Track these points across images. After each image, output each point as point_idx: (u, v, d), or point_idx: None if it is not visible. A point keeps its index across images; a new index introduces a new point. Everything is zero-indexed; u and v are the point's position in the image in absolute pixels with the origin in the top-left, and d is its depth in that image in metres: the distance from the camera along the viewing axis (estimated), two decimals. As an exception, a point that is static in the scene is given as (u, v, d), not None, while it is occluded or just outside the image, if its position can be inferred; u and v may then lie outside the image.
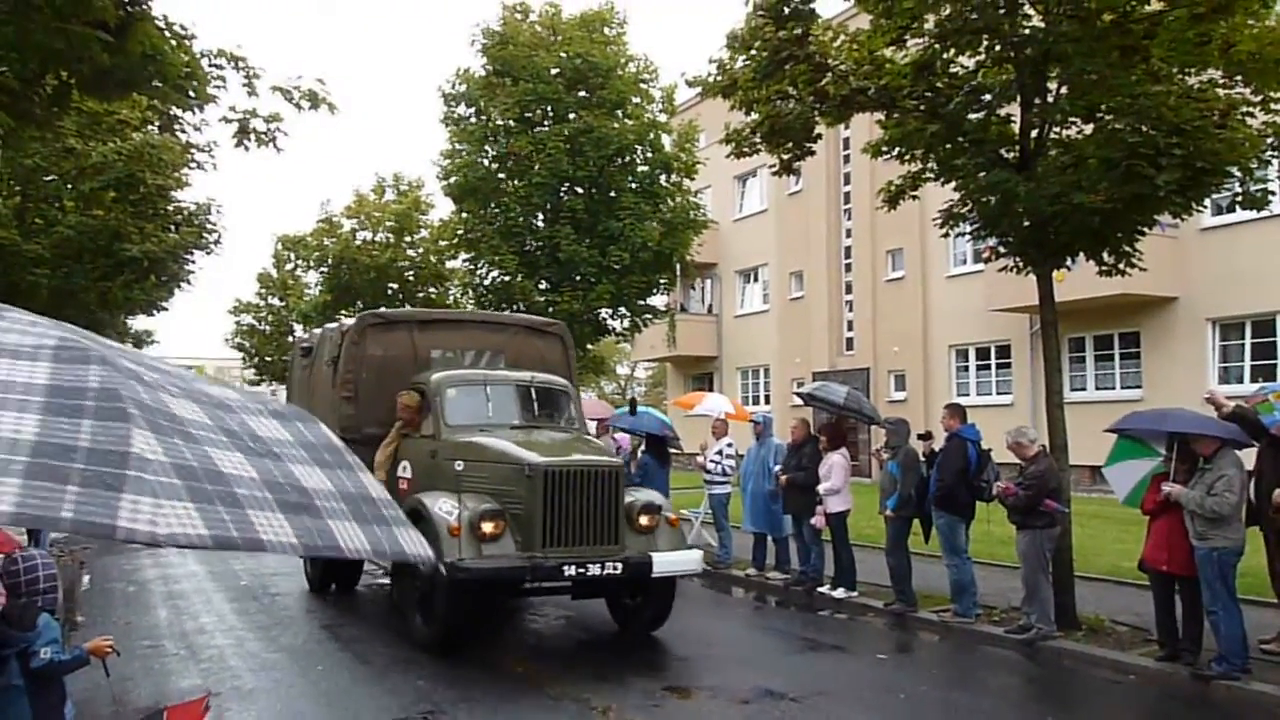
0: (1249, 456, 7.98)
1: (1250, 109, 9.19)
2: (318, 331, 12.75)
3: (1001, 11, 9.07)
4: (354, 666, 8.11)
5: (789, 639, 9.53)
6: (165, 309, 23.33)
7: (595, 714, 6.75)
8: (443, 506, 8.19)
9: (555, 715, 6.87)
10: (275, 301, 43.56)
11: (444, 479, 8.67)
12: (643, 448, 13.97)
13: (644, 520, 8.68)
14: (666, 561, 8.51)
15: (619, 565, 8.18)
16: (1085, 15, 8.75)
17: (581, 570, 8.03)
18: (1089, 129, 9.62)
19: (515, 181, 21.64)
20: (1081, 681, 8.10)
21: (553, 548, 8.08)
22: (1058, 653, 8.58)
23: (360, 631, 9.61)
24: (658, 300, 24.83)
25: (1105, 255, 9.72)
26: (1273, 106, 9.16)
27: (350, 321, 11.06)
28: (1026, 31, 9.13)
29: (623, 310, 22.58)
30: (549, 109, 21.81)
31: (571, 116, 21.41)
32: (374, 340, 10.58)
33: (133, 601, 10.98)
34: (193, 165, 18.54)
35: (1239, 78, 9.03)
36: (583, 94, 21.68)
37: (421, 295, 32.17)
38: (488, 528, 8.00)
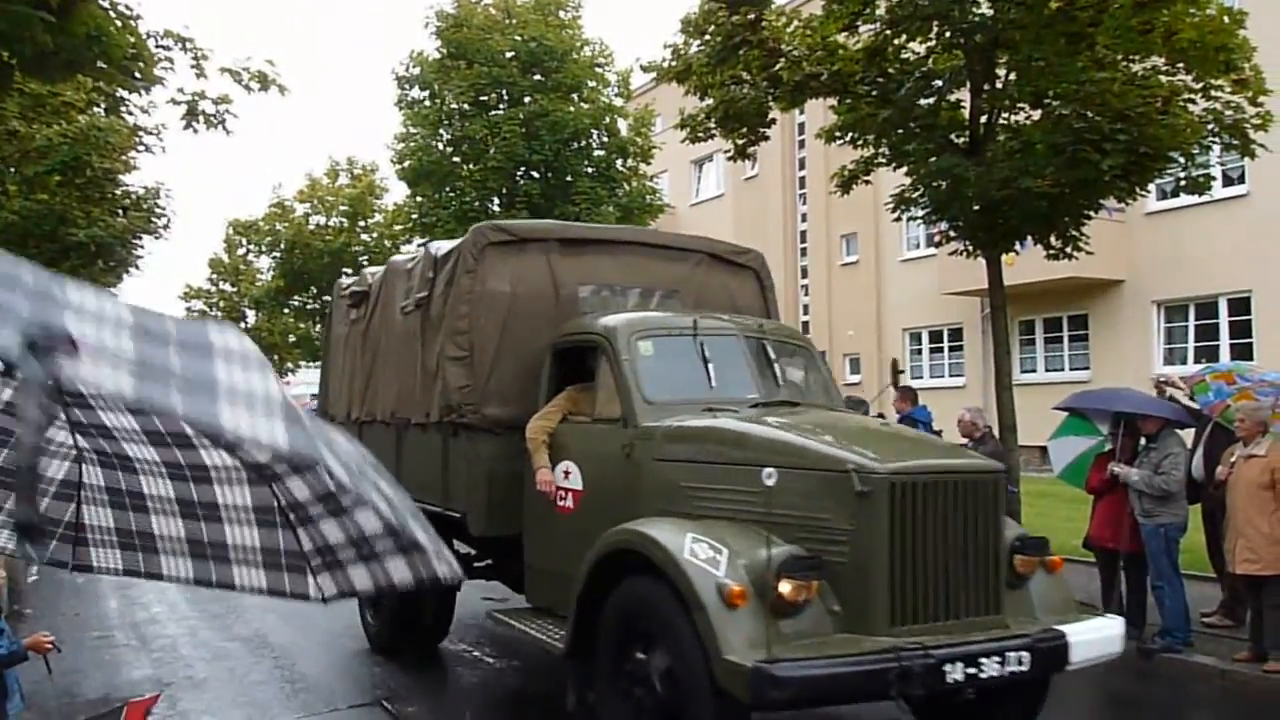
0: (1187, 436, 8.20)
1: (1191, 96, 9.39)
2: (373, 271, 9.09)
3: (952, -2, 9.17)
4: (310, 654, 8.08)
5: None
6: (113, 295, 22.83)
7: (555, 700, 6.79)
8: (696, 550, 4.62)
9: (514, 701, 6.90)
10: (227, 287, 42.97)
11: (653, 495, 5.40)
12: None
13: (1020, 565, 5.16)
14: (1085, 640, 4.97)
15: (1024, 657, 4.67)
16: (1033, 2, 8.87)
17: (973, 670, 4.50)
18: (1037, 115, 9.78)
19: (470, 165, 21.52)
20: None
21: (908, 624, 4.63)
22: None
23: (317, 620, 9.56)
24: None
25: (1053, 239, 9.90)
26: (1213, 94, 9.37)
27: (447, 244, 7.28)
28: (976, 18, 9.24)
29: (579, 295, 22.53)
30: (504, 92, 21.69)
31: (527, 100, 21.31)
32: (496, 267, 6.68)
33: (82, 592, 10.82)
34: (141, 148, 18.19)
35: (1180, 65, 9.22)
36: (538, 78, 21.58)
37: (376, 280, 31.90)
38: (789, 590, 4.43)
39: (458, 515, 6.54)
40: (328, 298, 31.81)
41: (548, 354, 6.37)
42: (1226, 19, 9.02)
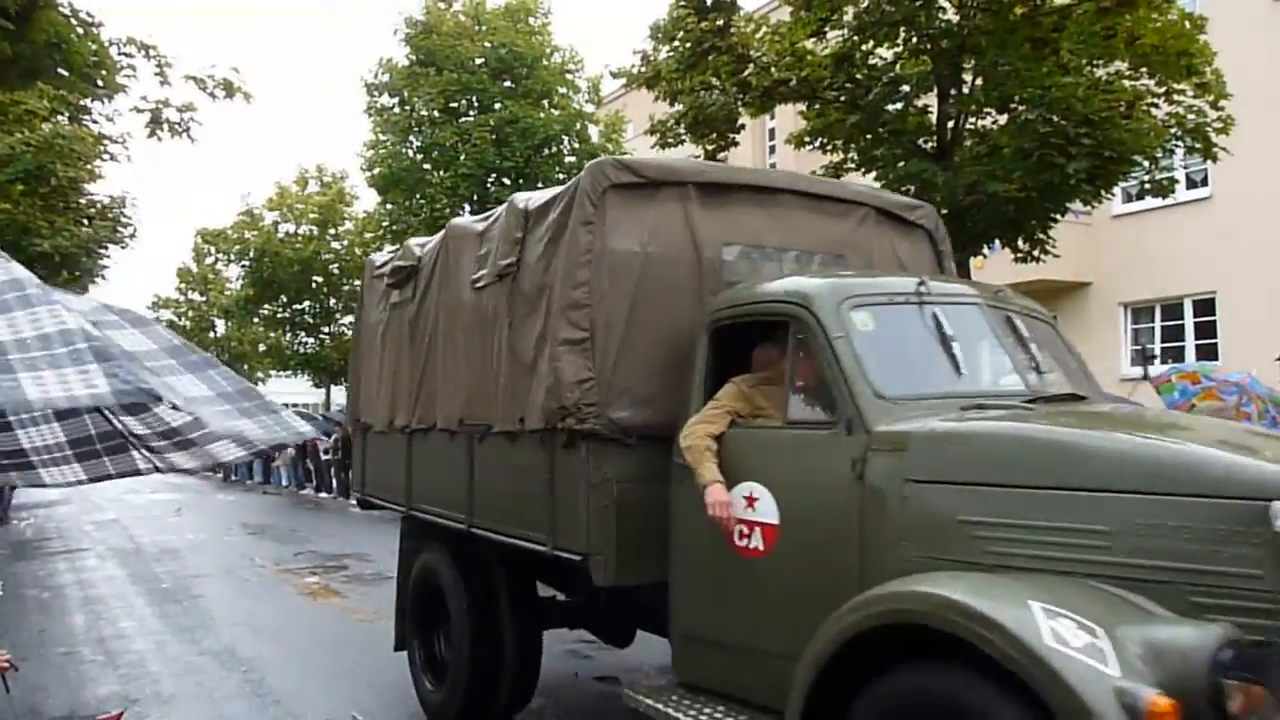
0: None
1: (1155, 100, 9.52)
2: (420, 242, 7.15)
3: (918, 4, 9.24)
4: (281, 668, 7.98)
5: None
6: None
7: (527, 711, 6.74)
8: (1059, 631, 2.82)
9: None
10: (195, 296, 42.67)
11: (909, 534, 3.70)
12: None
13: None
14: None
15: None
16: (998, 8, 8.97)
17: None
18: (1003, 120, 9.88)
19: (441, 172, 21.44)
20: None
21: None
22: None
23: (287, 634, 9.47)
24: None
25: (1020, 243, 9.99)
26: (1175, 98, 9.50)
27: (539, 194, 5.57)
28: (942, 24, 9.33)
29: (552, 301, 22.51)
30: (474, 99, 21.65)
31: (497, 107, 21.29)
32: (622, 219, 4.95)
33: (47, 608, 10.65)
34: (105, 157, 18.02)
35: (1144, 70, 9.34)
36: (508, 84, 21.56)
37: (347, 288, 31.72)
38: (1239, 702, 2.70)
39: (575, 558, 4.72)
40: (298, 306, 31.84)
41: (704, 335, 4.60)
42: (1188, 24, 9.15)
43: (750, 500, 4.17)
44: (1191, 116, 9.57)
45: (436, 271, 6.48)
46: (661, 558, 4.63)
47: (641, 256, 4.87)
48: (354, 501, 23.02)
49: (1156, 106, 9.54)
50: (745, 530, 4.16)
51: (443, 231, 6.57)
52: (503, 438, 5.43)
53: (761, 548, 4.11)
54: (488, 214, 6.20)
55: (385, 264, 7.58)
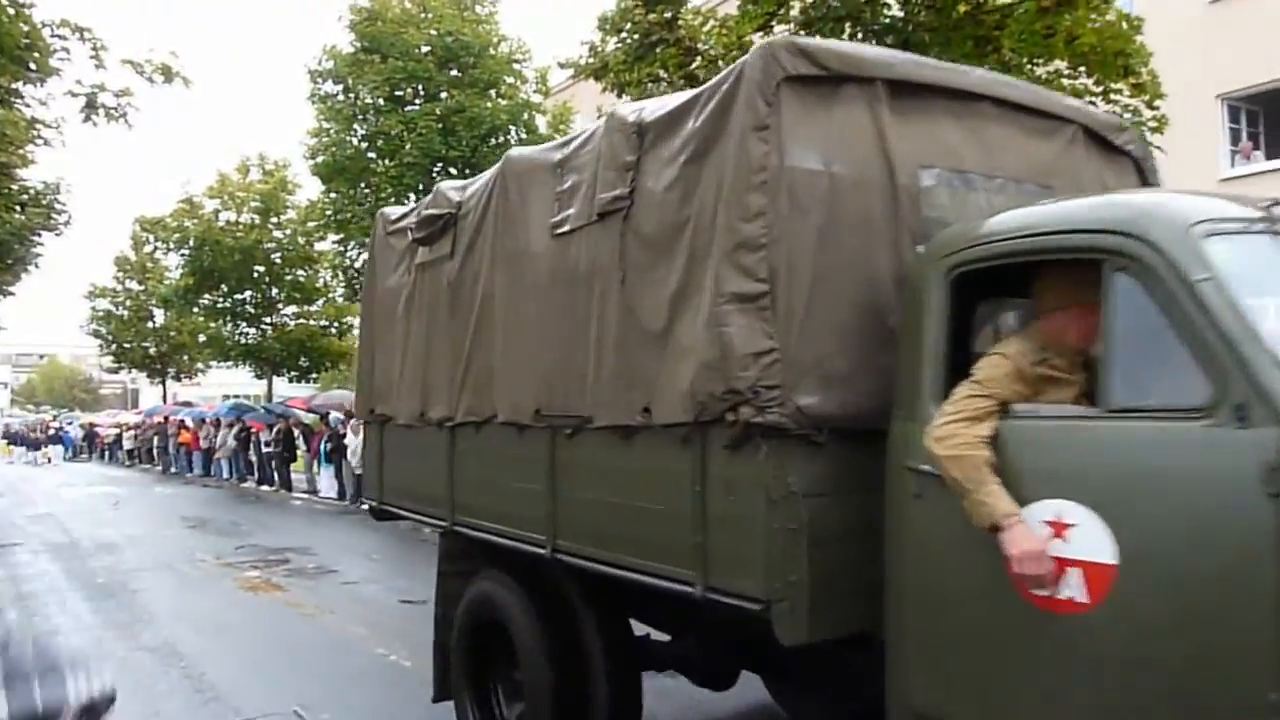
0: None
1: (1093, 99, 9.72)
2: (456, 185, 5.93)
3: (863, 0, 9.33)
4: (221, 663, 7.88)
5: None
6: (11, 293, 22.14)
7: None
8: None
9: (430, 703, 6.83)
10: (133, 285, 41.78)
11: None
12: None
13: None
14: None
15: None
16: (942, 6, 9.10)
17: None
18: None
19: (386, 161, 21.23)
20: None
21: None
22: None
23: (228, 628, 9.34)
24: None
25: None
26: (1112, 97, 9.71)
27: (661, 101, 4.39)
28: (886, 20, 9.43)
29: (499, 292, 22.44)
30: (419, 87, 21.47)
31: (443, 95, 21.13)
32: (799, 125, 3.55)
33: (-22, 604, 10.40)
34: (39, 142, 17.53)
35: (1082, 69, 9.54)
36: (454, 73, 21.42)
37: (289, 278, 31.28)
38: None
39: (746, 605, 3.39)
40: (239, 296, 31.33)
41: (934, 285, 3.25)
42: (1125, 25, 9.36)
43: (1059, 529, 2.82)
44: (1128, 115, 9.79)
45: (489, 218, 5.17)
46: (866, 601, 3.35)
47: (826, 179, 3.54)
48: (296, 495, 22.76)
49: (1094, 104, 9.75)
50: (1052, 577, 2.84)
51: (498, 165, 5.26)
52: (609, 434, 4.10)
53: (1085, 600, 2.74)
54: (566, 138, 4.92)
55: (406, 216, 6.37)
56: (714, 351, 3.43)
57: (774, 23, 10.02)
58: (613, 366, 4.10)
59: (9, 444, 45.49)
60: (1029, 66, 9.57)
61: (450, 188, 5.88)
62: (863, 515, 3.36)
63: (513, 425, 4.81)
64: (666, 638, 5.18)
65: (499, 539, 4.93)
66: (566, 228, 4.46)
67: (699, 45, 10.18)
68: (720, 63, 9.98)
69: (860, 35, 9.73)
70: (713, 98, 3.71)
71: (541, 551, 4.51)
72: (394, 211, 6.76)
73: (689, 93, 4.00)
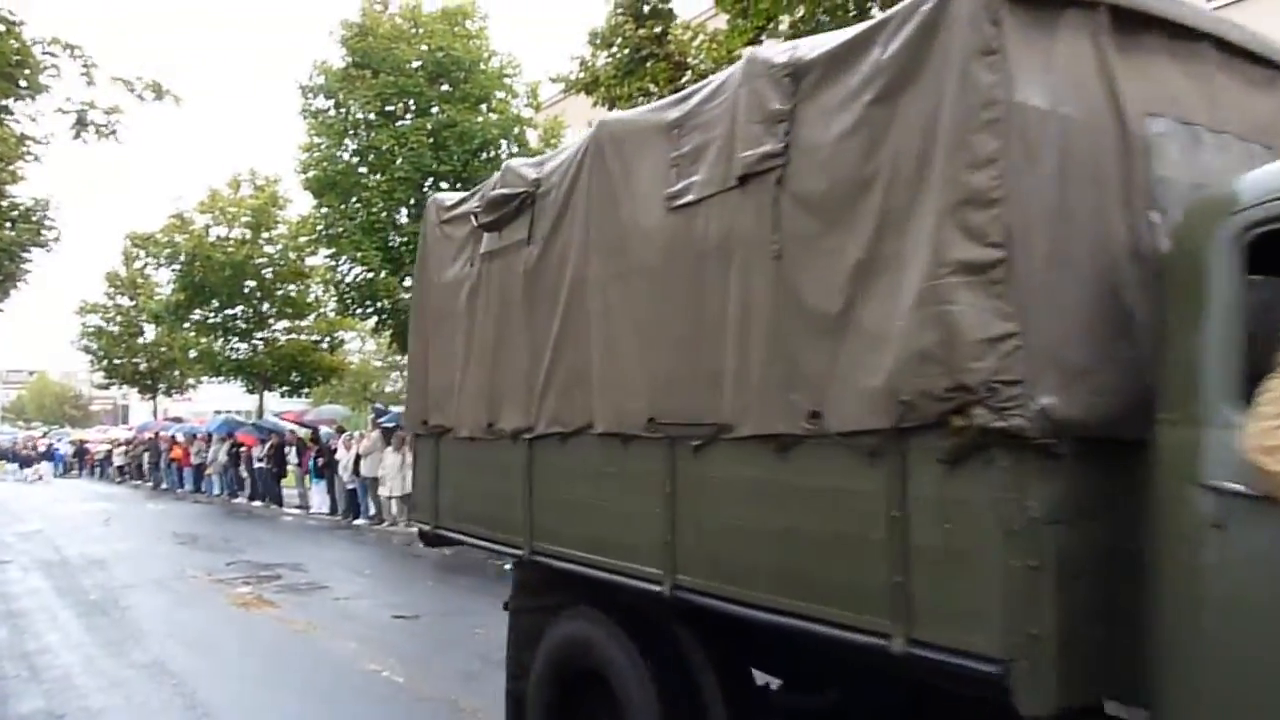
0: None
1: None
2: (528, 162, 5.32)
3: (852, 15, 9.39)
4: (212, 681, 7.84)
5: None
6: (1, 310, 22.06)
7: (463, 715, 6.72)
8: None
9: (422, 718, 6.81)
10: (124, 301, 41.68)
11: None
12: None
13: None
14: None
15: None
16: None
17: None
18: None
19: (377, 176, 21.26)
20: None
21: None
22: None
23: (220, 645, 9.30)
24: (526, 296, 24.75)
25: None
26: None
27: (823, 40, 3.47)
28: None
29: (491, 306, 22.46)
30: (410, 102, 21.51)
31: (434, 110, 21.18)
32: (1025, 55, 2.78)
33: (-32, 622, 10.34)
34: (29, 158, 17.51)
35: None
36: (445, 88, 21.46)
37: (280, 293, 31.24)
38: None
39: (976, 666, 2.66)
40: (230, 311, 31.29)
41: (1230, 252, 2.61)
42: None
43: None
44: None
45: (579, 194, 4.48)
46: (1118, 661, 2.67)
47: (1056, 121, 2.85)
48: (288, 510, 22.68)
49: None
50: None
51: (589, 132, 4.54)
52: (756, 446, 3.37)
53: None
54: (683, 93, 4.11)
55: (465, 200, 5.72)
56: (931, 337, 2.72)
57: (763, 37, 10.08)
58: (762, 362, 3.34)
59: (0, 460, 45.25)
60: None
61: (524, 164, 5.21)
62: (1107, 548, 2.68)
63: (615, 436, 4.06)
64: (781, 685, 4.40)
65: (595, 572, 4.15)
66: (689, 198, 3.72)
67: (689, 60, 10.24)
68: (709, 77, 10.06)
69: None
70: (907, 22, 2.96)
71: (657, 589, 3.73)
72: (449, 197, 6.13)
73: (856, 27, 3.30)
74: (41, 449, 43.40)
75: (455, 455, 5.60)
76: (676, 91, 10.16)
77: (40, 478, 38.25)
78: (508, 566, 5.82)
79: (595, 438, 4.21)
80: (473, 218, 5.43)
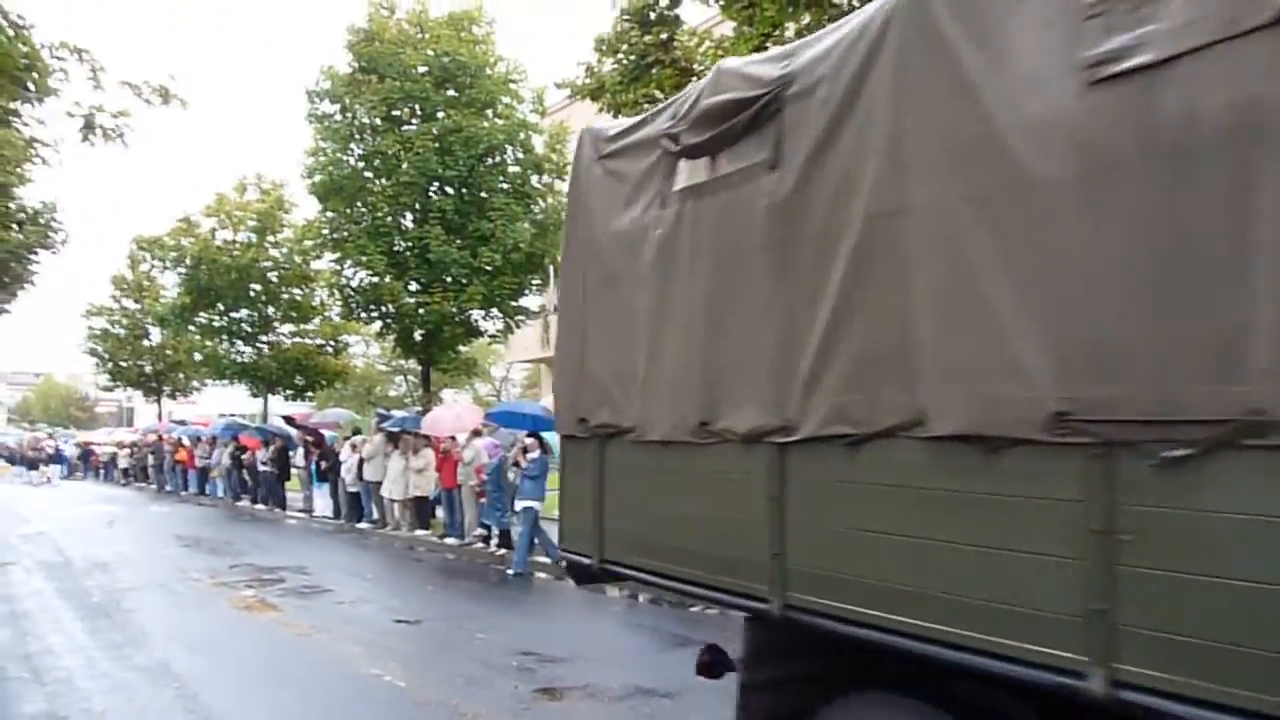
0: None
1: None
2: (778, 59, 3.74)
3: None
4: (214, 683, 7.85)
5: (662, 636, 9.66)
6: (8, 312, 22.18)
7: (465, 719, 6.71)
8: None
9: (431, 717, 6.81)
10: (130, 304, 41.81)
11: None
12: (531, 450, 13.71)
13: None
14: None
15: None
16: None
17: None
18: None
19: (382, 180, 21.30)
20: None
21: None
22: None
23: (222, 648, 9.31)
24: (530, 301, 24.82)
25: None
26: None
27: None
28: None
29: (495, 311, 22.49)
30: (417, 107, 21.56)
31: (440, 115, 21.22)
32: None
33: (-29, 624, 10.36)
34: (36, 161, 17.59)
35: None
36: (451, 93, 21.51)
37: (286, 296, 31.31)
38: None
39: None
40: (236, 314, 31.35)
41: None
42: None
43: None
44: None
45: (874, 85, 3.19)
46: None
47: None
48: (291, 514, 22.64)
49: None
50: None
51: None
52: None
53: None
54: None
55: (645, 123, 4.47)
56: None
57: (769, 44, 10.10)
58: None
59: (7, 463, 45.29)
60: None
61: (753, 62, 3.92)
62: None
63: (973, 441, 2.79)
64: None
65: (928, 648, 2.88)
66: (1142, 59, 2.40)
67: (695, 66, 10.25)
68: (715, 84, 10.08)
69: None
70: None
71: (1073, 682, 2.47)
72: (610, 125, 4.92)
73: None
74: (51, 451, 43.43)
75: (636, 464, 4.35)
76: (682, 98, 10.21)
77: (48, 480, 38.30)
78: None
79: (925, 443, 2.93)
80: (665, 143, 4.15)
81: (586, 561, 4.64)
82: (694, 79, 10.19)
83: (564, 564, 5.14)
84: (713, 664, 4.29)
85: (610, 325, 4.61)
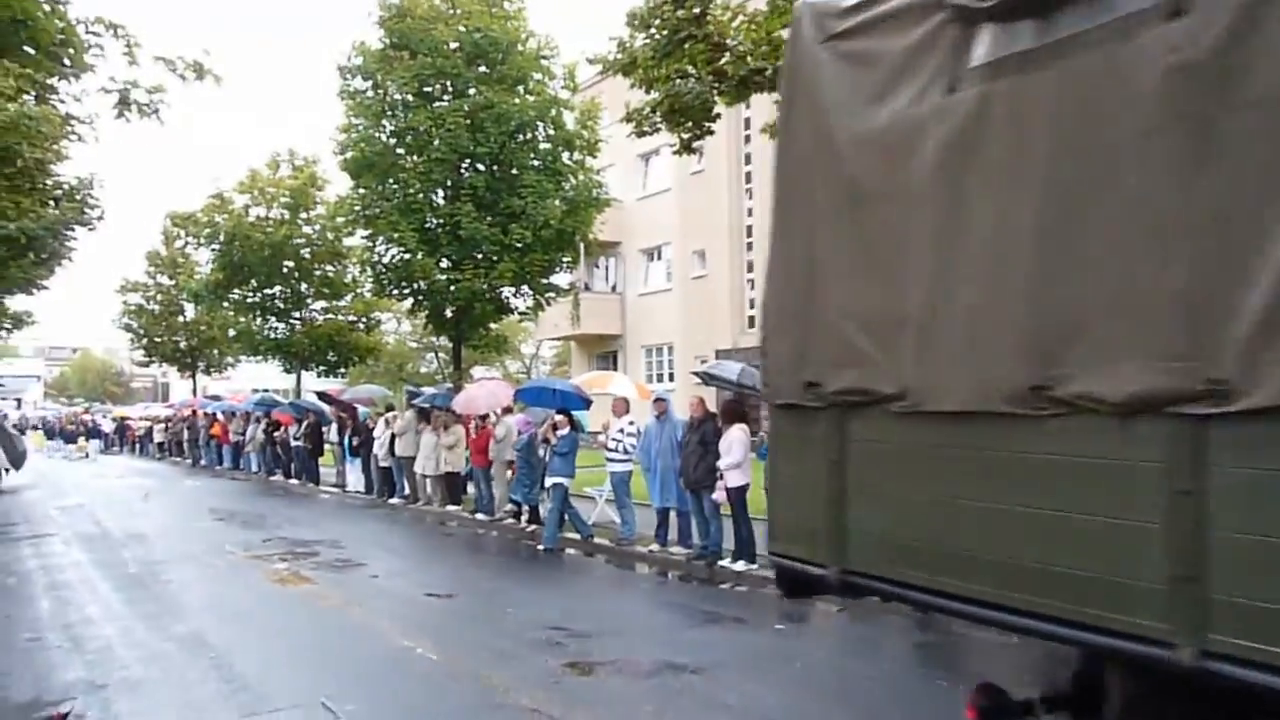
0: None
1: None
2: None
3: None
4: (249, 653, 7.94)
5: (691, 613, 9.67)
6: (45, 288, 22.39)
7: (495, 693, 6.75)
8: None
9: (454, 695, 6.85)
10: (164, 280, 42.23)
11: None
12: (560, 427, 13.74)
13: None
14: None
15: None
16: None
17: None
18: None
19: (414, 157, 21.31)
20: (972, 646, 8.40)
21: None
22: (949, 620, 8.87)
23: (256, 620, 9.42)
24: (561, 279, 24.81)
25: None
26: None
27: None
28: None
29: (525, 289, 22.50)
30: (448, 84, 21.53)
31: (471, 92, 21.19)
32: None
33: (13, 594, 10.54)
34: (72, 137, 17.73)
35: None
36: (483, 69, 21.45)
37: (319, 273, 31.49)
38: None
39: None
40: (269, 291, 31.55)
41: None
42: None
43: None
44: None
45: None
46: None
47: None
48: (324, 488, 22.84)
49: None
50: None
51: None
52: None
53: None
54: None
55: None
56: None
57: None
58: None
59: (45, 437, 46.04)
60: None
61: None
62: None
63: None
64: None
65: None
66: None
67: (728, 41, 10.14)
68: (749, 58, 9.94)
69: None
70: None
71: None
72: (834, 2, 3.78)
73: None
74: (90, 425, 44.03)
75: (903, 443, 3.40)
76: (715, 74, 10.10)
77: (86, 455, 38.88)
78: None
79: None
80: (952, 6, 3.19)
81: (817, 571, 3.65)
82: (727, 54, 10.09)
83: (774, 572, 4.22)
84: (991, 711, 3.22)
85: (860, 257, 3.52)
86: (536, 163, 21.76)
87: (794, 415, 3.90)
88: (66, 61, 8.54)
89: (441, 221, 21.35)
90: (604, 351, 35.09)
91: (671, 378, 31.53)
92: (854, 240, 3.58)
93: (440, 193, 21.78)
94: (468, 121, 20.71)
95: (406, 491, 18.87)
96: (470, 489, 17.20)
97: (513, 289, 22.35)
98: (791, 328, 3.91)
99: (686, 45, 10.07)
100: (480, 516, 16.01)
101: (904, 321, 3.32)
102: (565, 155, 22.19)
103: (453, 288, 21.02)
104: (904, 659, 8.23)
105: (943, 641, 8.57)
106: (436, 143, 20.74)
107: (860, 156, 3.55)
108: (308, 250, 31.46)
